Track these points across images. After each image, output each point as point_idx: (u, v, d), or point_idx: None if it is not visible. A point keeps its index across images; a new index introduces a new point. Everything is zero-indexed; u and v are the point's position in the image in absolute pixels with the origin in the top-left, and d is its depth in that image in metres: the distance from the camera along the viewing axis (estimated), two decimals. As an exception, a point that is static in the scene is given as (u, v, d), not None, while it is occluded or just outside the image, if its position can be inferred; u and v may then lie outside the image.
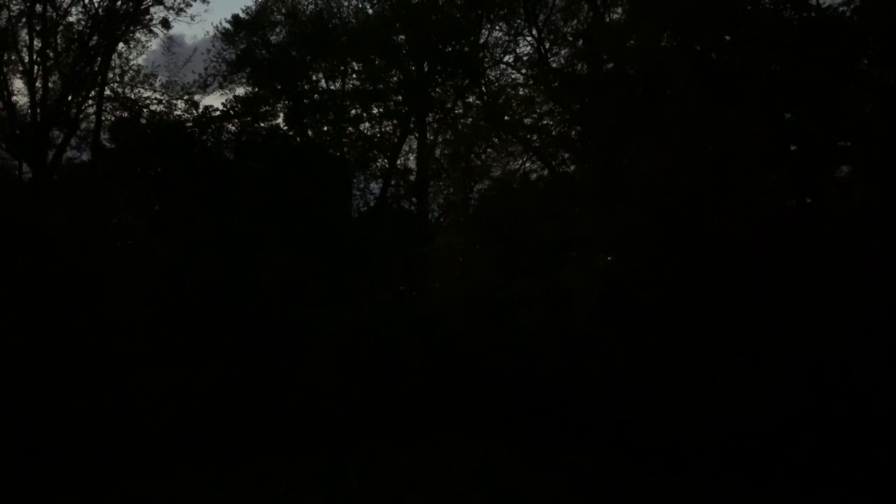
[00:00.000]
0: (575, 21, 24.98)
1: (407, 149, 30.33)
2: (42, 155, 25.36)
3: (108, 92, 27.14)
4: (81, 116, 26.80)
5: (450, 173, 25.64)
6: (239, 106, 28.25)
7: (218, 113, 27.88)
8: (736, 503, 13.91)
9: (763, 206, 16.16)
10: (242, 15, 29.68)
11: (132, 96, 27.48)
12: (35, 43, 25.60)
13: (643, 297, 16.43)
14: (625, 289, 16.58)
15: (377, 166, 29.99)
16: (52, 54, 25.86)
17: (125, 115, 27.30)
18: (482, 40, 28.10)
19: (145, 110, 27.39)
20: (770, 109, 16.83)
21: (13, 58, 25.65)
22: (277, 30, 30.00)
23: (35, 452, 17.32)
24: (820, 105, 16.74)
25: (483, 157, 24.54)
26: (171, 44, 27.82)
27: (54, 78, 26.10)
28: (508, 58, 27.85)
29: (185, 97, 27.75)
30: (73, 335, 19.90)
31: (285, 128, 28.82)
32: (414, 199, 29.97)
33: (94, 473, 16.67)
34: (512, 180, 22.97)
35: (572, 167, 22.53)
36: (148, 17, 27.04)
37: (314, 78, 29.90)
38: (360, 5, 30.12)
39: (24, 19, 25.44)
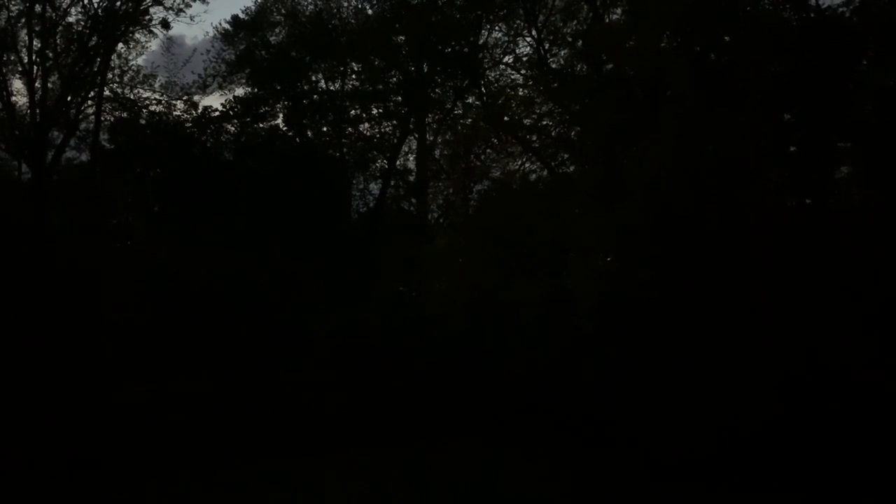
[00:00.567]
0: (574, 22, 24.99)
1: (406, 149, 30.37)
2: (41, 155, 25.31)
3: (107, 92, 27.14)
4: (81, 117, 26.78)
5: (449, 174, 25.62)
6: (238, 106, 28.30)
7: (217, 113, 27.97)
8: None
9: (763, 207, 16.14)
10: (242, 15, 29.70)
11: (131, 97, 27.48)
12: (34, 43, 25.58)
13: (643, 299, 16.40)
14: (625, 290, 16.54)
15: (377, 167, 30.01)
16: (51, 55, 25.83)
17: (124, 115, 27.30)
18: (482, 41, 28.09)
19: (144, 111, 27.41)
20: (770, 110, 16.82)
21: (12, 58, 25.62)
22: (277, 30, 30.01)
23: (31, 455, 17.27)
24: (819, 106, 16.74)
25: (482, 157, 24.53)
26: (170, 44, 27.83)
27: (54, 78, 26.08)
28: (508, 58, 27.86)
29: (185, 98, 27.76)
30: (72, 335, 19.89)
31: (285, 128, 28.88)
32: (413, 200, 29.96)
33: (92, 474, 16.63)
34: (511, 181, 22.94)
35: (572, 168, 22.51)
36: (147, 17, 27.02)
37: (314, 78, 29.90)
38: (360, 6, 30.16)
39: (23, 19, 25.41)
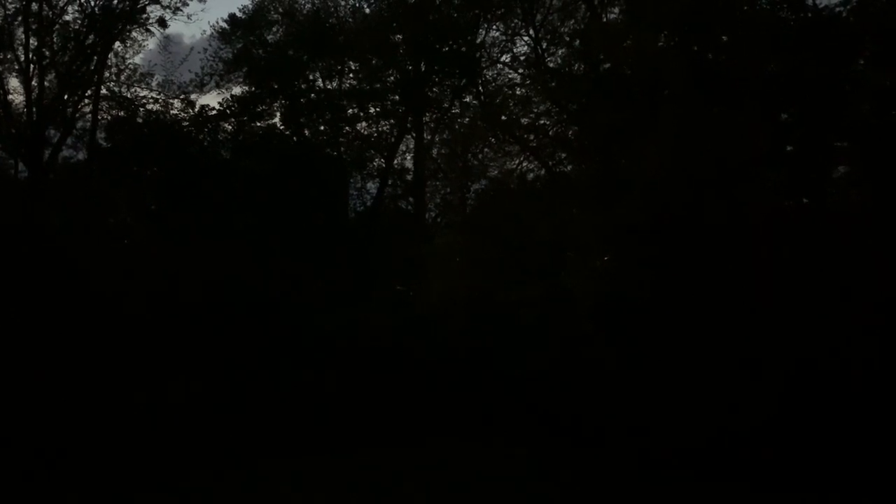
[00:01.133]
0: (572, 21, 24.99)
1: (404, 148, 30.31)
2: (38, 154, 25.23)
3: (104, 91, 27.02)
4: (77, 115, 26.67)
5: (447, 173, 25.64)
6: (235, 105, 28.24)
7: (214, 112, 27.91)
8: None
9: (761, 207, 16.16)
10: (239, 14, 29.61)
11: (128, 95, 27.36)
12: (31, 42, 25.48)
13: (642, 298, 16.41)
14: (624, 290, 16.56)
15: (374, 166, 29.91)
16: (48, 53, 25.74)
17: (121, 114, 27.20)
18: (479, 40, 28.06)
19: (141, 109, 27.29)
20: (767, 110, 16.84)
21: (9, 56, 25.53)
22: (274, 29, 29.92)
23: (28, 454, 17.22)
24: (817, 105, 16.76)
25: (480, 156, 24.57)
26: (167, 43, 27.72)
27: (50, 77, 25.99)
28: (505, 57, 27.83)
29: (182, 97, 27.67)
30: (70, 335, 19.83)
31: (282, 127, 28.80)
32: (411, 199, 29.93)
33: (88, 475, 16.59)
34: (509, 180, 22.96)
35: (569, 167, 22.54)
36: (144, 16, 26.89)
37: (311, 77, 29.81)
38: (357, 5, 30.11)
39: (20, 18, 25.32)
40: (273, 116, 28.86)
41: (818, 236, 15.96)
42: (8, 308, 20.14)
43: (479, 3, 26.84)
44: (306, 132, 29.27)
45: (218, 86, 28.97)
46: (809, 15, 17.65)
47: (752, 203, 16.11)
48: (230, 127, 28.17)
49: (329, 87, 29.93)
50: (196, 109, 27.69)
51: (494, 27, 27.84)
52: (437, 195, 28.26)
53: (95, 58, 26.46)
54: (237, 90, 28.96)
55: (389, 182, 29.85)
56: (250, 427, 19.53)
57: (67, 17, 26.09)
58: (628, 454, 15.99)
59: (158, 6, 26.75)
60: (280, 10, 29.84)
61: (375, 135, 29.80)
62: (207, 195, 24.27)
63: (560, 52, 25.37)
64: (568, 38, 24.63)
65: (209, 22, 49.38)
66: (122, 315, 20.46)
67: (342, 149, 29.33)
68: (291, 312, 22.08)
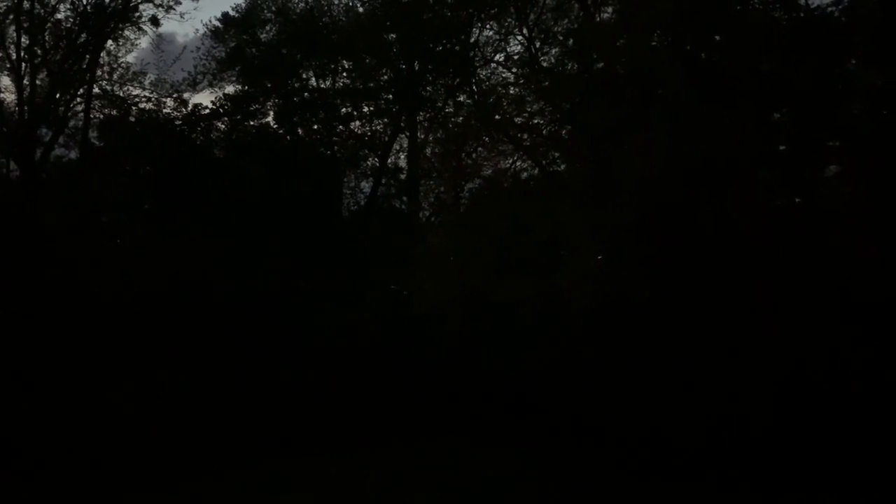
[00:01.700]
0: (565, 20, 25.03)
1: (398, 148, 30.34)
2: (30, 153, 25.12)
3: (96, 90, 26.88)
4: (70, 114, 26.55)
5: (441, 172, 25.61)
6: (228, 104, 28.22)
7: (207, 111, 27.89)
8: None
9: (754, 206, 16.22)
10: (232, 13, 29.56)
11: (121, 94, 27.22)
12: (23, 40, 25.36)
13: (636, 297, 16.46)
14: (617, 289, 16.60)
15: (368, 165, 29.96)
16: (39, 51, 25.61)
17: (114, 113, 27.11)
18: (473, 39, 28.10)
19: (134, 108, 27.20)
20: (760, 109, 16.90)
21: (0, 55, 25.43)
22: (267, 28, 29.87)
23: (21, 452, 17.16)
24: (809, 105, 16.83)
25: (474, 156, 24.52)
26: (160, 42, 27.59)
27: (42, 75, 25.84)
28: (499, 57, 27.89)
29: (175, 95, 27.59)
30: (63, 334, 19.77)
31: (275, 126, 28.76)
32: (405, 199, 29.95)
33: (83, 476, 16.54)
34: (503, 179, 22.97)
35: (563, 166, 22.57)
36: (137, 14, 26.78)
37: (304, 76, 29.80)
38: (351, 4, 30.03)
39: (11, 16, 25.20)
40: (266, 115, 28.87)
41: (811, 235, 16.03)
42: (1, 306, 20.07)
43: (472, 3, 26.86)
44: (300, 131, 29.24)
45: (211, 85, 28.92)
46: (802, 15, 17.73)
47: (744, 202, 16.17)
48: (223, 126, 28.16)
49: (322, 86, 29.94)
50: (189, 108, 27.67)
51: (488, 26, 27.92)
52: (431, 194, 28.22)
53: (88, 56, 26.35)
54: (230, 89, 28.97)
55: (383, 181, 29.88)
56: (245, 427, 19.50)
57: (59, 16, 25.99)
58: (624, 453, 16.03)
59: (151, 5, 26.65)
60: (273, 8, 29.79)
61: (369, 134, 29.82)
62: (201, 194, 24.22)
63: (553, 51, 25.47)
64: (561, 38, 24.68)
65: (202, 21, 49.21)
66: (116, 314, 20.40)
67: (336, 148, 29.34)
68: (285, 312, 22.06)
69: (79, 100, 26.61)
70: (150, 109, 27.14)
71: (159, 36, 27.44)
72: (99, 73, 26.78)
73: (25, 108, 25.19)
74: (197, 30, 68.00)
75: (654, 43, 18.81)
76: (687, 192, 16.33)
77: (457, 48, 27.79)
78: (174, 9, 26.81)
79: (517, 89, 23.85)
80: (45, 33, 25.76)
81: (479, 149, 24.25)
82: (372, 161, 29.91)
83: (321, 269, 23.33)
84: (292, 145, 28.14)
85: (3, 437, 17.48)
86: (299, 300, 22.22)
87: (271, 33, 29.72)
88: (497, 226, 19.95)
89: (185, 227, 22.89)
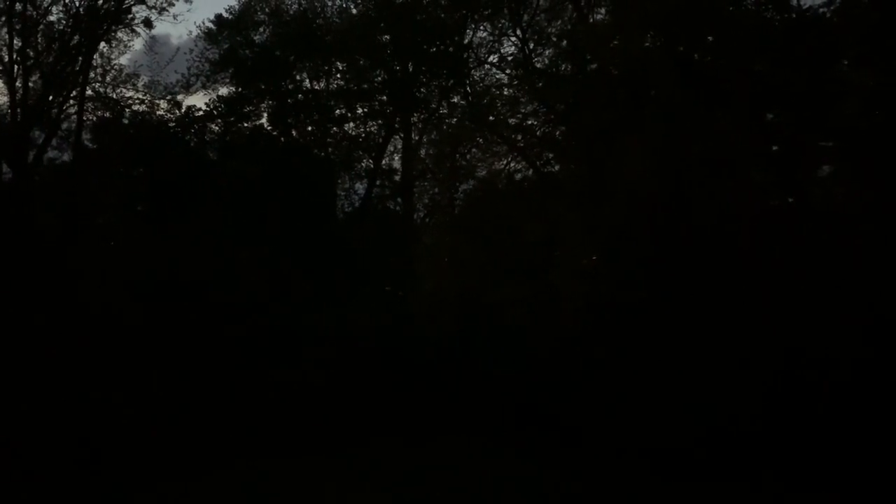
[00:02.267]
0: (559, 21, 25.06)
1: (392, 149, 30.33)
2: (23, 155, 25.04)
3: (89, 92, 26.75)
4: (63, 116, 26.45)
5: (435, 173, 25.62)
6: (222, 106, 28.14)
7: (201, 113, 27.80)
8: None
9: (747, 206, 16.26)
10: (226, 14, 29.48)
11: (114, 96, 27.13)
12: (15, 42, 25.27)
13: (630, 297, 16.48)
14: (611, 289, 16.62)
15: (362, 166, 29.91)
16: (32, 53, 25.52)
17: (107, 115, 27.02)
18: (467, 40, 28.11)
19: (127, 110, 27.13)
20: (753, 110, 16.95)
21: (-7, 57, 25.34)
22: (261, 29, 29.80)
23: (13, 454, 17.09)
24: (802, 105, 16.88)
25: (468, 157, 24.56)
26: (154, 43, 27.49)
27: (35, 77, 25.76)
28: (493, 58, 27.90)
29: (168, 97, 27.53)
30: (56, 336, 19.70)
31: (269, 128, 28.71)
32: (399, 200, 29.93)
33: (84, 475, 16.49)
34: (497, 180, 22.99)
35: (557, 167, 22.60)
36: (130, 16, 26.69)
37: (298, 78, 29.73)
38: (345, 5, 30.05)
39: (3, 18, 25.12)
40: (260, 117, 28.81)
41: (804, 235, 16.07)
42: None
43: (466, 4, 26.88)
44: (294, 133, 29.19)
45: (204, 86, 28.84)
46: (794, 16, 17.77)
47: (738, 202, 16.21)
48: (217, 128, 28.08)
49: (316, 87, 29.88)
50: (183, 110, 27.60)
51: (482, 28, 27.93)
52: (426, 195, 28.25)
53: (80, 58, 26.25)
54: (224, 91, 28.89)
55: (377, 182, 29.86)
56: (240, 427, 19.46)
57: (52, 18, 25.88)
58: (616, 453, 16.05)
59: (144, 6, 26.57)
60: (267, 10, 29.75)
61: (363, 135, 29.79)
62: (194, 196, 24.17)
63: (547, 52, 25.51)
64: (555, 39, 24.72)
65: (195, 22, 49.03)
66: (109, 317, 20.33)
67: (330, 149, 29.30)
68: (280, 313, 22.02)
69: (72, 102, 26.52)
70: (143, 111, 27.08)
71: (153, 38, 27.37)
72: (92, 75, 26.69)
73: (18, 110, 25.09)
74: (190, 31, 67.98)
75: (647, 44, 18.84)
76: (681, 192, 16.35)
77: (451, 49, 27.79)
78: (167, 11, 26.76)
79: (511, 90, 23.91)
80: (38, 35, 25.66)
81: (474, 150, 24.30)
82: (366, 162, 29.90)
83: (316, 271, 23.30)
84: (286, 147, 28.07)
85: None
86: (294, 301, 22.18)
87: (265, 35, 29.67)
88: (491, 227, 19.98)
89: (179, 229, 22.83)
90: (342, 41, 28.15)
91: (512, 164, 23.58)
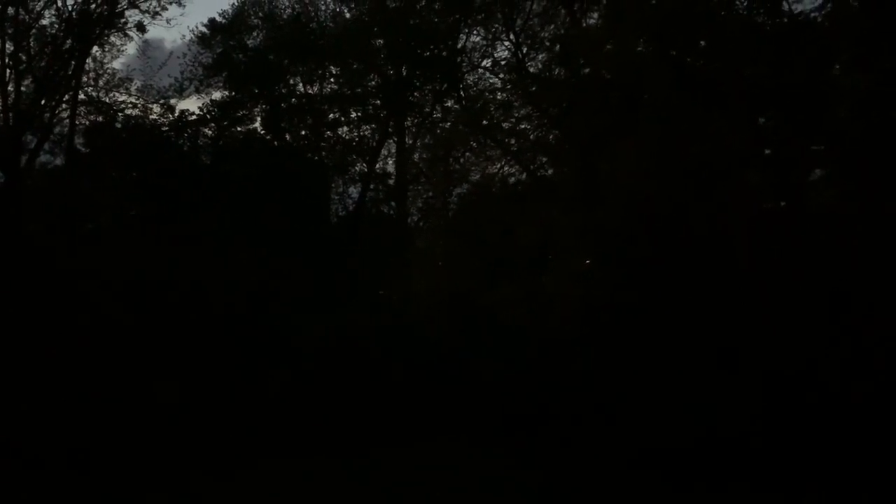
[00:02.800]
0: (552, 26, 25.14)
1: (386, 153, 30.33)
2: (15, 159, 24.95)
3: (82, 96, 26.75)
4: (55, 121, 26.40)
5: (429, 177, 25.65)
6: (215, 110, 28.12)
7: (194, 117, 27.77)
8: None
9: (742, 209, 16.32)
10: (219, 19, 29.47)
11: (107, 100, 27.11)
12: (7, 46, 25.21)
13: (623, 301, 16.52)
14: (605, 292, 16.66)
15: (356, 170, 29.92)
16: (24, 58, 25.48)
17: (100, 119, 26.97)
18: (460, 45, 28.15)
19: (120, 115, 27.09)
20: (746, 114, 17.01)
21: (-15, 61, 25.24)
22: (255, 34, 29.83)
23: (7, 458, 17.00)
24: (794, 109, 16.95)
25: (462, 161, 24.61)
26: (147, 48, 27.74)
27: (27, 82, 25.73)
28: (486, 62, 27.95)
29: (161, 101, 27.51)
30: (50, 341, 19.62)
31: (263, 132, 28.69)
32: (393, 204, 29.94)
33: (66, 481, 16.40)
34: (491, 184, 23.04)
35: (550, 171, 22.65)
36: (123, 20, 26.71)
37: (292, 82, 29.74)
38: (338, 9, 30.08)
39: (-5, 22, 25.06)
40: (254, 121, 28.81)
41: (797, 237, 16.14)
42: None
43: (459, 8, 26.92)
44: (287, 137, 29.19)
45: (198, 91, 28.84)
46: (786, 20, 17.85)
47: (732, 205, 16.27)
48: (210, 132, 28.06)
49: (310, 91, 29.89)
50: (176, 114, 27.58)
51: (475, 32, 27.98)
52: (420, 199, 28.29)
53: (73, 62, 26.22)
54: (217, 95, 28.88)
55: (371, 186, 29.87)
56: (233, 430, 19.40)
57: (44, 22, 25.85)
58: (610, 455, 16.05)
59: (137, 11, 26.58)
60: (260, 14, 29.78)
61: (357, 139, 29.78)
62: (188, 200, 24.12)
63: (540, 56, 25.58)
64: (548, 43, 24.80)
65: (188, 27, 48.95)
66: (103, 320, 20.26)
67: (324, 153, 29.30)
68: (273, 317, 21.99)
69: (64, 106, 26.49)
70: (136, 115, 27.08)
71: (146, 42, 27.57)
72: (85, 79, 26.68)
73: (10, 114, 25.02)
74: (184, 36, 67.87)
75: (640, 48, 18.90)
76: (675, 195, 16.40)
77: (444, 54, 27.85)
78: (160, 15, 26.78)
79: (504, 95, 24.00)
80: (30, 39, 25.63)
81: (467, 154, 24.35)
82: (360, 166, 29.90)
83: (310, 275, 23.28)
84: (280, 151, 28.06)
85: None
86: (288, 305, 22.15)
87: (258, 39, 29.69)
88: (485, 230, 20.00)
89: (172, 233, 22.78)
90: (336, 45, 28.18)
91: (506, 168, 23.67)
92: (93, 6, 25.95)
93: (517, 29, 25.83)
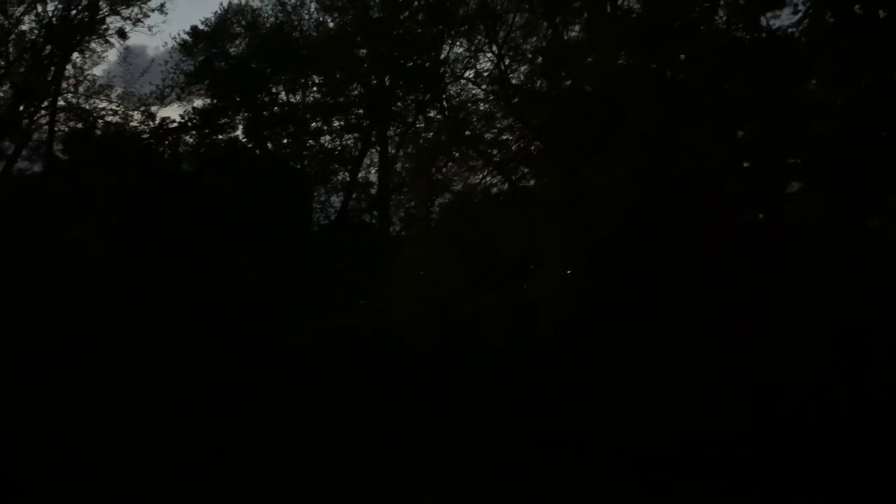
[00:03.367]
0: (534, 38, 25.43)
1: (368, 162, 30.45)
2: (-8, 165, 24.73)
3: (61, 102, 26.64)
4: (34, 127, 26.23)
5: (411, 187, 25.67)
6: (197, 118, 28.05)
7: (175, 125, 27.66)
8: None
9: (720, 221, 16.55)
10: (202, 26, 29.44)
11: (87, 107, 26.97)
12: (-15, 51, 25.02)
13: (606, 309, 16.66)
14: (587, 301, 16.78)
15: (338, 179, 29.96)
16: (3, 63, 25.28)
17: (79, 126, 26.79)
18: (443, 56, 28.38)
19: (100, 121, 26.93)
20: (725, 126, 17.27)
21: (-37, 66, 25.02)
22: (237, 42, 29.87)
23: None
24: (772, 123, 17.23)
25: (444, 170, 24.62)
26: (129, 55, 27.45)
27: (5, 87, 25.53)
28: (469, 73, 28.17)
29: (142, 108, 27.37)
30: (27, 349, 19.39)
31: (245, 140, 28.63)
32: (375, 213, 29.97)
33: (56, 485, 16.21)
34: (473, 194, 23.09)
35: (532, 181, 22.78)
36: (104, 27, 26.62)
37: (274, 90, 29.77)
38: (321, 18, 30.17)
39: (-26, 27, 24.85)
40: (236, 129, 28.82)
41: (775, 248, 16.39)
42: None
43: (442, 20, 27.12)
44: (269, 145, 29.18)
45: (179, 98, 28.78)
46: (764, 35, 18.16)
47: (711, 216, 16.49)
48: (192, 140, 27.97)
49: (293, 100, 29.93)
50: (157, 122, 27.47)
51: (458, 43, 28.23)
52: (402, 208, 28.35)
53: (53, 69, 26.05)
54: (199, 102, 28.81)
55: (354, 195, 29.91)
56: (212, 439, 19.22)
57: (24, 27, 25.70)
58: (601, 464, 16.09)
59: (119, 17, 26.48)
60: (243, 22, 29.80)
61: (339, 148, 29.86)
62: (169, 208, 23.98)
63: (523, 68, 25.85)
64: (530, 55, 25.06)
65: (171, 34, 48.72)
66: (83, 328, 20.06)
67: (306, 162, 29.31)
68: (254, 325, 21.87)
69: (43, 112, 26.34)
70: (116, 122, 26.98)
71: (127, 49, 27.30)
72: (64, 85, 26.56)
73: (-12, 119, 24.79)
74: (166, 43, 67.51)
75: (621, 61, 19.12)
76: (655, 206, 16.59)
77: (427, 64, 28.02)
78: (142, 22, 26.75)
79: (487, 106, 24.08)
80: (9, 45, 25.43)
81: (450, 164, 24.35)
82: (342, 175, 29.96)
83: (291, 284, 23.20)
84: (262, 159, 28.02)
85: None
86: (271, 313, 22.06)
87: (241, 47, 29.71)
88: (468, 239, 20.04)
89: (154, 240, 22.63)
90: (319, 54, 28.25)
91: (488, 178, 23.67)
92: (73, 12, 25.86)
93: (500, 41, 26.10)
